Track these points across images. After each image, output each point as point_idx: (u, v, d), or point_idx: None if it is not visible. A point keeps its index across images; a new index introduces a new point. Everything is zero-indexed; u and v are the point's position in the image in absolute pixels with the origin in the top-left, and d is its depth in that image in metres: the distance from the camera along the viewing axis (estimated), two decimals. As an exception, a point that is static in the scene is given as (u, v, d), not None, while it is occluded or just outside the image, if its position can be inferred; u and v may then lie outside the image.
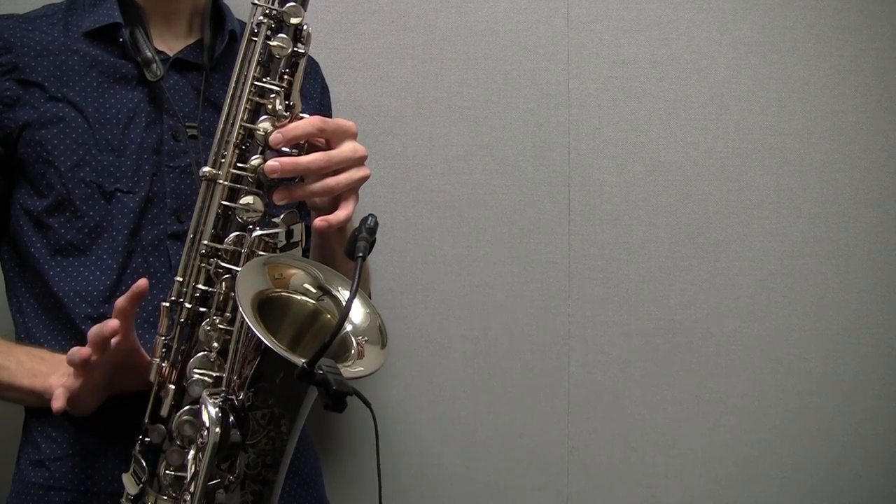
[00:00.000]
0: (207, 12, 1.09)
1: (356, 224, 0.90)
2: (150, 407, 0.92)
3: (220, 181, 0.93)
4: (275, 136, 0.91)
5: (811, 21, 1.34)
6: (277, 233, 0.94)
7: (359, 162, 0.96)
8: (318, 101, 1.19)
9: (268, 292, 0.90)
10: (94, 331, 0.85)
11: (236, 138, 0.93)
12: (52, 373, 0.94)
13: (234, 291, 0.88)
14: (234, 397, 0.87)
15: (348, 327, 0.91)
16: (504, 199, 1.36)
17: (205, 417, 0.84)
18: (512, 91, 1.35)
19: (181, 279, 0.93)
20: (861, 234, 1.35)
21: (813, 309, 1.36)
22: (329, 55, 1.29)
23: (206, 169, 0.93)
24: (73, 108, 0.99)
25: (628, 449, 1.37)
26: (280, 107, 0.93)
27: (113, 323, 0.84)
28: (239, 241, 0.93)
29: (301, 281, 0.94)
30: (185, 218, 1.01)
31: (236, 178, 0.93)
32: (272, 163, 0.91)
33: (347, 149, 0.95)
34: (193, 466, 0.85)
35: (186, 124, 1.04)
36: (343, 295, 0.94)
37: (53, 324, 1.00)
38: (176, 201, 1.02)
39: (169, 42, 1.06)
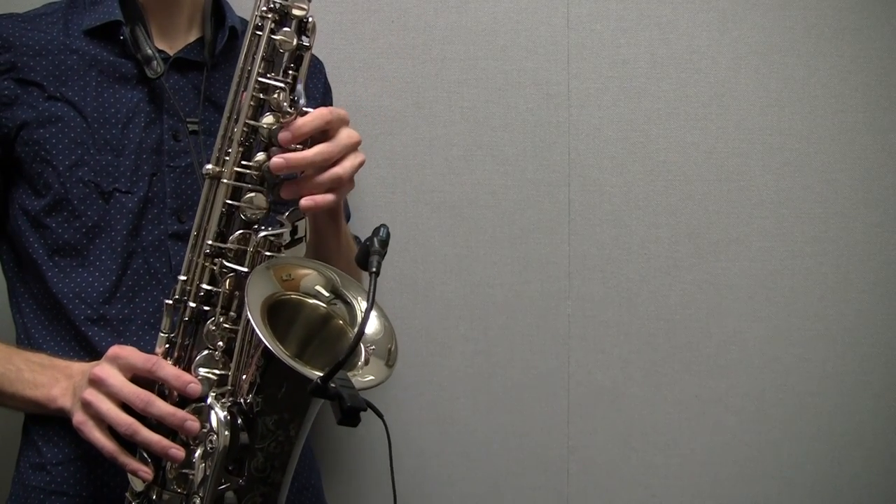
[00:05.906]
0: (208, 9, 1.08)
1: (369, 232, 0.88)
2: None
3: (224, 179, 0.92)
4: (283, 135, 0.90)
5: (811, 21, 1.34)
6: (282, 232, 0.93)
7: (355, 147, 0.96)
8: (321, 100, 1.19)
9: (277, 295, 0.89)
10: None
11: (240, 136, 0.92)
12: (53, 383, 0.94)
13: (243, 293, 0.87)
14: (242, 400, 0.86)
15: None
16: (504, 199, 1.36)
17: (213, 422, 0.83)
18: (512, 91, 1.35)
19: (185, 278, 0.93)
20: (861, 234, 1.35)
21: (813, 309, 1.36)
22: (329, 55, 1.28)
23: (209, 167, 0.92)
24: (71, 107, 0.99)
25: (628, 449, 1.37)
26: (285, 103, 0.91)
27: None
28: (244, 240, 0.92)
29: (313, 283, 0.93)
30: (187, 218, 1.01)
31: (240, 176, 0.93)
32: (277, 160, 0.90)
33: (345, 136, 0.94)
34: (203, 470, 0.84)
35: (187, 120, 1.03)
36: (357, 302, 0.92)
37: (52, 325, 1.00)
38: (177, 201, 1.02)
39: (169, 41, 1.05)
